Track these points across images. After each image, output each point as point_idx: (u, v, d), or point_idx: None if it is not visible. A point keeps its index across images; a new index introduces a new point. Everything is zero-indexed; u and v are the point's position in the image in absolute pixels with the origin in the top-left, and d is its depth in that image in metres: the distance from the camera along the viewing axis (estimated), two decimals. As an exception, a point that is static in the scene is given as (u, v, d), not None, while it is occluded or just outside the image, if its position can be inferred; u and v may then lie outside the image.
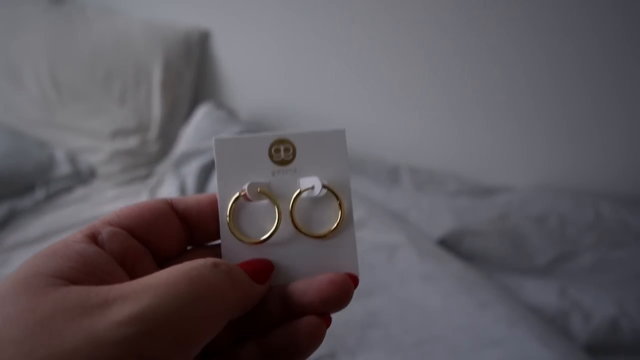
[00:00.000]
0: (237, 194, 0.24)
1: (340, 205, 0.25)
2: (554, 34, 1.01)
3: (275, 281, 0.24)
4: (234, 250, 0.24)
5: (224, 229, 0.24)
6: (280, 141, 0.25)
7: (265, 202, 0.25)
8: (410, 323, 0.70)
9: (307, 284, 0.23)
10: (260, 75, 1.27)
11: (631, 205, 0.99)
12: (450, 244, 0.90)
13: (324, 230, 0.25)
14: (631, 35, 0.97)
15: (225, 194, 0.24)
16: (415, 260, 0.79)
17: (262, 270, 0.23)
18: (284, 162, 0.25)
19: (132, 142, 1.19)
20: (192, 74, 1.26)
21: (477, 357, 0.65)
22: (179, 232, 0.24)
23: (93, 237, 0.21)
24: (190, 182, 1.01)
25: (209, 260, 0.20)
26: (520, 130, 1.11)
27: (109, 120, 1.19)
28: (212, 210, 0.24)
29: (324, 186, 0.24)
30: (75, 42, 1.21)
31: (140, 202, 0.24)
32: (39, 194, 1.08)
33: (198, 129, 1.10)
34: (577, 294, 0.78)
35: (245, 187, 0.24)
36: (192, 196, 0.25)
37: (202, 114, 1.13)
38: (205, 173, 1.03)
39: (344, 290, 0.22)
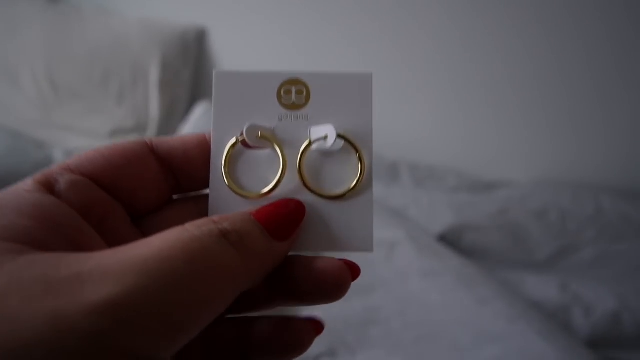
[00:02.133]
0: (234, 138, 0.21)
1: (360, 159, 0.21)
2: (557, 28, 1.00)
3: None
4: (225, 204, 0.20)
5: (215, 178, 0.20)
6: (293, 81, 0.21)
7: (267, 151, 0.21)
8: (410, 319, 0.70)
9: (303, 267, 0.19)
10: (258, 73, 1.27)
11: (632, 198, 0.99)
12: (450, 240, 0.90)
13: (336, 189, 0.21)
14: (635, 29, 0.97)
15: (221, 136, 0.21)
16: (415, 256, 0.79)
17: (288, 218, 0.18)
18: (294, 106, 0.21)
19: (130, 141, 1.19)
20: (190, 72, 1.26)
21: (478, 353, 0.65)
22: (159, 180, 0.20)
23: (48, 186, 0.17)
24: (189, 180, 1.00)
25: (214, 227, 0.15)
26: (520, 125, 1.11)
27: (107, 119, 1.19)
28: (200, 152, 0.20)
29: (339, 136, 0.20)
30: (72, 41, 1.21)
31: (111, 144, 0.19)
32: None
33: (196, 127, 1.10)
34: (578, 288, 0.78)
35: (244, 129, 0.20)
36: (177, 137, 0.21)
37: (200, 112, 1.13)
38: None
39: (339, 282, 0.19)
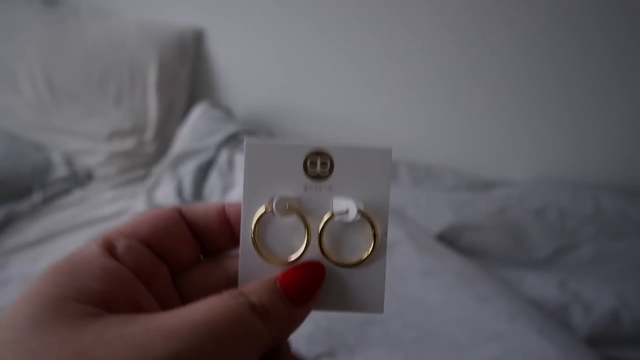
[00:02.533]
0: (263, 207, 0.22)
1: (374, 235, 0.22)
2: (554, 26, 1.00)
3: None
4: (254, 268, 0.22)
5: (245, 244, 0.22)
6: (319, 153, 0.23)
7: (293, 219, 0.23)
8: (410, 319, 0.70)
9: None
10: (256, 74, 1.27)
11: (631, 196, 0.99)
12: (449, 239, 0.90)
13: (353, 257, 0.23)
14: (633, 27, 0.97)
15: (251, 205, 0.22)
16: (414, 255, 0.79)
17: (308, 283, 0.21)
18: (319, 177, 0.23)
19: (128, 143, 1.18)
20: (187, 74, 1.26)
21: (478, 352, 0.65)
22: (191, 241, 0.23)
23: (109, 250, 0.20)
24: (187, 182, 1.00)
25: (244, 300, 0.19)
26: (518, 124, 1.11)
27: (105, 122, 1.19)
28: (219, 221, 0.23)
29: (359, 212, 0.22)
30: (69, 43, 1.21)
31: (151, 211, 0.23)
32: (36, 197, 1.07)
33: (194, 128, 1.10)
34: (578, 286, 0.78)
35: (275, 200, 0.22)
36: (200, 205, 0.24)
37: (198, 113, 1.13)
38: (202, 173, 1.02)
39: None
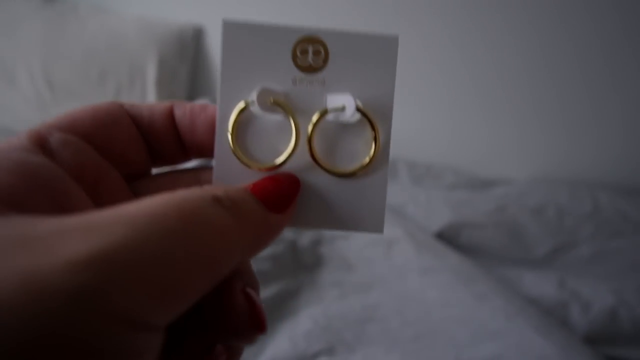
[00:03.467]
0: (243, 102, 0.19)
1: (375, 137, 0.19)
2: (549, 25, 1.00)
3: None
4: (231, 174, 0.19)
5: (221, 145, 0.19)
6: (310, 39, 0.19)
7: (278, 117, 0.19)
8: (409, 317, 0.70)
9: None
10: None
11: (629, 194, 0.99)
12: (447, 237, 0.90)
13: (349, 165, 0.19)
14: (626, 26, 0.97)
15: (229, 98, 0.19)
16: (412, 254, 0.79)
17: (283, 192, 0.17)
18: (310, 69, 0.19)
19: (127, 140, 1.18)
20: (187, 71, 1.25)
21: (476, 350, 0.65)
22: (140, 142, 0.19)
23: (39, 144, 0.16)
24: (187, 179, 1.00)
25: (208, 191, 0.14)
26: (516, 122, 1.11)
27: (104, 118, 1.19)
28: (166, 122, 0.19)
29: (358, 109, 0.19)
30: (69, 40, 1.20)
31: (88, 105, 0.18)
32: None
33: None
34: (576, 284, 0.78)
35: (255, 93, 0.19)
36: (146, 104, 0.19)
37: (197, 110, 1.13)
38: (202, 170, 1.02)
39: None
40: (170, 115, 0.19)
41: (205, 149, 0.20)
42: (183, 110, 0.19)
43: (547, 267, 0.87)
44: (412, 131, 1.19)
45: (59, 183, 0.15)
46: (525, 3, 1.00)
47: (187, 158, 0.20)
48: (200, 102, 1.13)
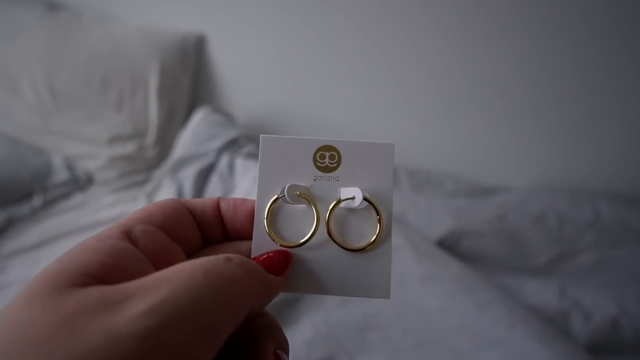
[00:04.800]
0: (276, 195, 0.24)
1: (379, 220, 0.24)
2: (549, 35, 1.01)
3: (303, 289, 0.24)
4: (265, 250, 0.24)
5: (258, 228, 0.24)
6: (327, 147, 0.25)
7: (303, 206, 0.24)
8: (409, 325, 0.70)
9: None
10: (257, 79, 1.27)
11: (630, 203, 0.99)
12: (448, 245, 0.90)
13: (359, 243, 0.24)
14: (625, 34, 0.98)
15: (265, 192, 0.24)
16: (413, 261, 0.79)
17: (277, 261, 0.23)
18: (327, 169, 0.25)
19: (129, 147, 1.19)
20: (189, 79, 1.26)
21: (477, 359, 0.64)
22: (196, 228, 0.24)
23: (126, 234, 0.21)
24: (188, 186, 1.00)
25: (221, 255, 0.20)
26: (517, 130, 1.11)
27: (106, 126, 1.19)
28: (213, 213, 0.25)
29: (364, 198, 0.24)
30: (72, 48, 1.21)
31: (156, 202, 0.24)
32: (37, 201, 1.07)
33: (195, 133, 1.10)
34: (577, 293, 0.78)
35: (285, 188, 0.24)
36: (198, 199, 0.25)
37: (198, 118, 1.13)
38: (203, 178, 1.02)
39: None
40: (217, 207, 0.25)
41: (244, 234, 0.25)
42: (227, 203, 0.25)
43: (548, 275, 0.86)
44: (412, 139, 1.19)
45: (136, 262, 0.20)
46: (524, 12, 1.01)
47: (228, 241, 0.25)
48: (201, 111, 1.14)
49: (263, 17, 1.19)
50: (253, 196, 0.25)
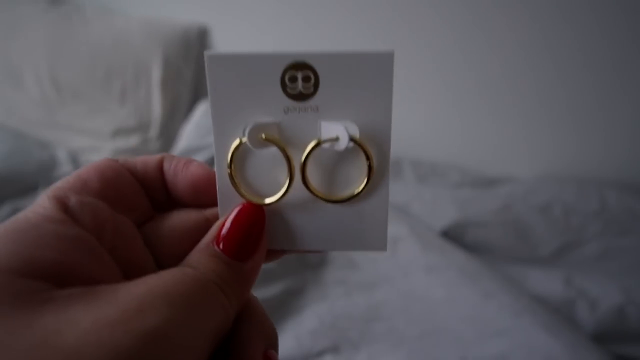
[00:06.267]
0: (238, 139, 0.19)
1: (369, 166, 0.19)
2: (556, 23, 1.00)
3: (282, 245, 0.20)
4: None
5: (222, 183, 0.19)
6: (298, 65, 0.18)
7: (274, 149, 0.19)
8: (414, 315, 0.70)
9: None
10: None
11: (637, 192, 0.98)
12: (453, 236, 0.89)
13: (348, 189, 0.20)
14: (634, 23, 0.96)
15: (223, 136, 0.19)
16: (418, 252, 0.79)
17: (247, 244, 0.19)
18: (301, 96, 0.18)
19: (133, 140, 1.19)
20: (192, 71, 1.26)
21: (482, 348, 0.64)
22: (142, 192, 0.20)
23: (62, 210, 0.17)
24: (192, 178, 1.00)
25: (209, 277, 0.17)
26: (523, 120, 1.11)
27: (110, 119, 1.19)
28: (157, 175, 0.20)
29: (351, 139, 0.18)
30: (75, 42, 1.21)
31: (88, 164, 0.19)
32: (42, 194, 1.08)
33: (198, 125, 1.10)
34: (583, 282, 0.78)
35: (247, 131, 0.19)
36: (138, 157, 0.21)
37: (202, 110, 1.13)
38: (207, 169, 1.03)
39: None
40: (161, 168, 0.20)
41: (187, 203, 0.21)
42: (169, 164, 0.21)
43: (553, 265, 0.86)
44: (416, 130, 1.19)
45: (93, 251, 0.16)
46: (532, 3, 0.99)
47: (176, 207, 0.21)
48: (204, 103, 1.13)
49: (265, 9, 1.19)
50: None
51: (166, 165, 0.21)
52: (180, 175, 0.20)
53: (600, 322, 0.72)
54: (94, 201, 0.18)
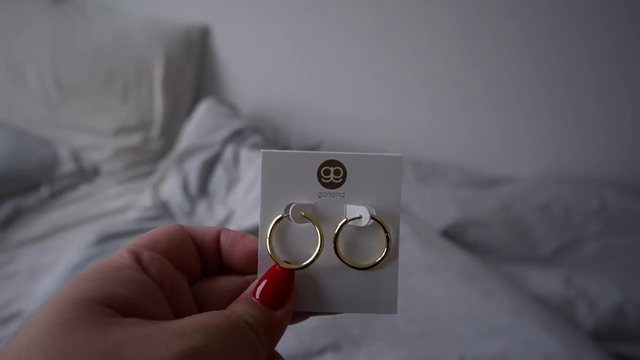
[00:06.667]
0: (279, 215, 0.24)
1: (387, 238, 0.23)
2: (558, 23, 1.00)
3: (310, 307, 0.24)
4: None
5: (263, 249, 0.24)
6: (332, 162, 0.24)
7: (308, 224, 0.24)
8: (414, 313, 0.70)
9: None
10: (262, 70, 1.27)
11: (636, 192, 0.99)
12: (453, 235, 0.90)
13: (367, 260, 0.24)
14: (637, 24, 0.97)
15: (268, 213, 0.24)
16: (418, 251, 0.79)
17: (281, 294, 0.23)
18: (332, 185, 0.24)
19: (134, 139, 1.19)
20: (193, 71, 1.26)
21: (482, 346, 0.65)
22: (198, 258, 0.25)
23: (137, 260, 0.22)
24: (193, 177, 1.01)
25: (241, 316, 0.21)
26: (522, 120, 1.11)
27: (112, 117, 1.20)
28: (213, 244, 0.25)
29: (372, 217, 0.23)
30: (77, 40, 1.22)
31: (161, 227, 0.24)
32: (44, 191, 1.08)
33: (200, 125, 1.11)
34: (582, 282, 0.78)
35: (290, 209, 0.23)
36: (200, 227, 0.25)
37: (203, 110, 1.14)
38: (208, 168, 1.03)
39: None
40: (217, 238, 0.25)
41: (239, 270, 0.25)
42: (226, 236, 0.25)
43: (553, 264, 0.86)
44: (417, 130, 1.19)
45: (154, 296, 0.21)
46: (536, 3, 1.00)
47: (222, 273, 0.26)
48: (205, 103, 1.14)
49: (267, 9, 1.19)
50: (257, 204, 0.25)
51: (223, 237, 0.25)
52: (237, 245, 0.25)
53: (600, 321, 0.73)
54: (161, 258, 0.22)
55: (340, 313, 0.24)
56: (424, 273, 0.76)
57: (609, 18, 0.97)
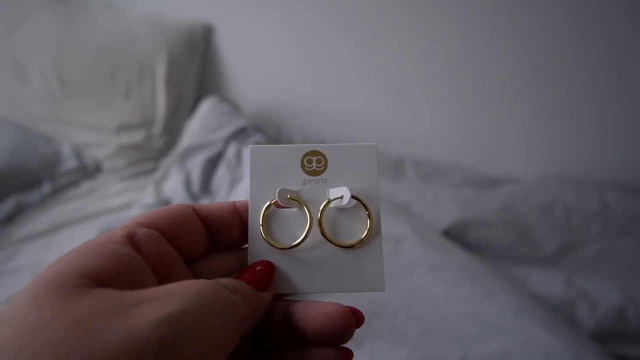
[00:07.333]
0: (269, 201, 0.25)
1: (369, 215, 0.25)
2: (558, 24, 1.00)
3: (300, 288, 0.25)
4: (261, 254, 0.25)
5: (254, 234, 0.25)
6: (313, 153, 0.26)
7: (294, 210, 0.25)
8: (416, 313, 0.70)
9: (306, 309, 0.23)
10: (264, 69, 1.27)
11: (637, 193, 0.99)
12: (455, 235, 0.90)
13: (350, 239, 0.25)
14: (635, 24, 0.97)
15: (258, 200, 0.25)
16: (420, 250, 0.79)
17: (263, 278, 0.23)
18: (315, 172, 0.26)
19: (137, 136, 1.19)
20: (196, 69, 1.26)
21: (483, 346, 0.65)
22: (204, 236, 0.25)
23: (129, 238, 0.21)
24: (195, 175, 1.01)
25: (220, 281, 0.21)
26: (524, 121, 1.11)
27: (114, 115, 1.20)
28: (233, 217, 0.25)
29: (353, 196, 0.25)
30: (80, 37, 1.22)
31: (167, 206, 0.24)
32: (46, 188, 1.08)
33: (202, 122, 1.11)
34: (583, 282, 0.78)
35: (276, 192, 0.25)
36: (213, 203, 0.26)
37: (206, 108, 1.14)
38: (210, 166, 1.03)
39: (339, 325, 0.22)
40: (235, 211, 0.25)
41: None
42: (246, 206, 0.26)
43: (554, 265, 0.87)
44: (419, 130, 1.19)
45: (137, 270, 0.20)
46: (535, 4, 1.00)
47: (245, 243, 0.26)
48: (208, 101, 1.14)
49: (270, 7, 1.19)
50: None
51: (241, 207, 0.26)
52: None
53: (600, 322, 0.73)
54: (157, 235, 0.22)
55: (328, 292, 0.25)
56: (426, 273, 0.76)
57: (609, 19, 0.97)
